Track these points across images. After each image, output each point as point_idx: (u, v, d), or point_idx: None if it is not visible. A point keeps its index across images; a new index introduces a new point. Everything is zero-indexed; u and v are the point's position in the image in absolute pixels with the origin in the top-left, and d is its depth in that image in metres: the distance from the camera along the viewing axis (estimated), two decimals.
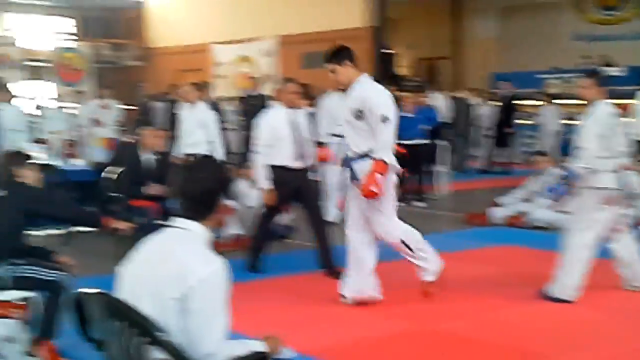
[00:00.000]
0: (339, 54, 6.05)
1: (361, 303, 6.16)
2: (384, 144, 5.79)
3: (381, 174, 5.72)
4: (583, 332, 5.63)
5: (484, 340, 5.43)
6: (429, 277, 6.31)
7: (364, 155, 5.89)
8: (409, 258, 6.18)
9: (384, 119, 5.76)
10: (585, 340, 5.41)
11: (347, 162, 6.10)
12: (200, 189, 3.02)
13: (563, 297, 6.22)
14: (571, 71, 19.79)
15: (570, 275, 6.20)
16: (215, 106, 11.10)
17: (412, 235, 6.18)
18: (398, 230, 6.10)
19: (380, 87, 6.06)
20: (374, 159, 5.79)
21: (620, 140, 6.30)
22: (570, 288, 6.21)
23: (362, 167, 5.87)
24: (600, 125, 6.14)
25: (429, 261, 6.26)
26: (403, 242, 6.12)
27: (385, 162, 5.73)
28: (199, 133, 8.60)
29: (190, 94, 9.62)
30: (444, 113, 15.54)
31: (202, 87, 9.91)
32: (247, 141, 14.07)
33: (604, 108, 6.21)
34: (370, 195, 5.78)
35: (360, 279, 6.13)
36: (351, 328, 5.70)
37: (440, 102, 15.69)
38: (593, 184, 6.13)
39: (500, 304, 6.36)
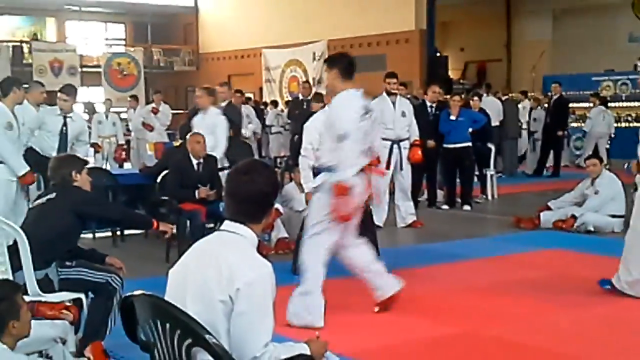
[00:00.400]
0: (334, 60, 5.95)
1: (404, 307, 6.11)
2: (342, 161, 5.61)
3: (342, 195, 5.49)
4: (629, 337, 5.54)
5: (531, 345, 5.38)
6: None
7: (326, 169, 5.76)
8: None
9: (340, 138, 5.60)
10: (632, 346, 5.33)
11: (314, 172, 6.07)
12: (254, 191, 3.03)
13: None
14: (627, 73, 19.50)
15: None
16: (233, 110, 11.02)
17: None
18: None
19: (349, 103, 5.75)
20: (334, 183, 5.59)
21: None
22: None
23: (321, 179, 5.78)
24: None
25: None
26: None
27: (343, 184, 5.50)
28: (209, 139, 8.59)
29: (200, 99, 9.62)
30: (497, 116, 15.44)
31: (212, 93, 9.85)
32: (295, 145, 14.17)
33: None
34: (345, 219, 5.64)
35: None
36: (396, 331, 5.69)
37: (493, 105, 15.58)
38: None
39: (548, 308, 6.29)
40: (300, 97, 14.65)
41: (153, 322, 2.89)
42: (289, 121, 16.77)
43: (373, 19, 23.66)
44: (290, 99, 17.10)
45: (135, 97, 18.03)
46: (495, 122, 15.41)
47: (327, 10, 25.26)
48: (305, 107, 14.04)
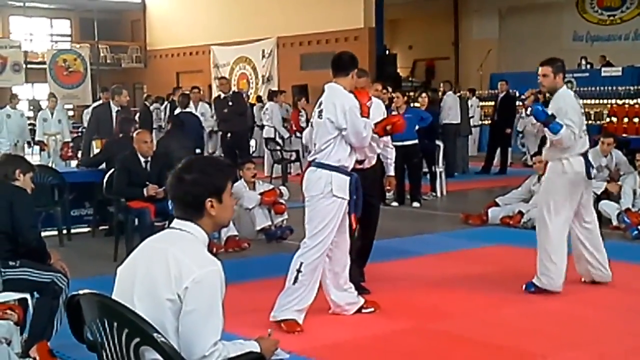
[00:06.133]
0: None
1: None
2: None
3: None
4: (577, 330, 5.64)
5: (478, 339, 5.44)
6: (286, 316, 5.60)
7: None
8: (287, 283, 5.65)
9: None
10: (580, 339, 5.43)
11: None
12: (181, 190, 3.01)
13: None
14: (571, 71, 19.85)
15: None
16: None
17: (312, 270, 5.64)
18: (308, 258, 5.62)
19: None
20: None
21: None
22: None
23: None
24: None
25: (300, 300, 5.62)
26: (299, 269, 5.60)
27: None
28: None
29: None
30: (454, 113, 15.58)
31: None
32: (228, 143, 14.07)
33: None
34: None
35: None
36: (345, 327, 5.71)
37: (455, 102, 15.70)
38: None
39: (495, 302, 6.37)
40: (222, 95, 14.44)
41: (100, 322, 2.85)
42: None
43: (322, 17, 23.70)
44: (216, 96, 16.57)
45: (52, 94, 17.38)
46: (452, 120, 15.57)
47: (276, 7, 25.22)
48: (231, 104, 13.92)
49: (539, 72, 6.57)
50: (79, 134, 17.52)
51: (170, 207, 6.91)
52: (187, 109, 13.57)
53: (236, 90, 19.68)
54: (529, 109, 6.68)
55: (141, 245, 3.06)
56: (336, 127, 5.57)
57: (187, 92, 14.74)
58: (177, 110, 13.52)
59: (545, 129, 6.39)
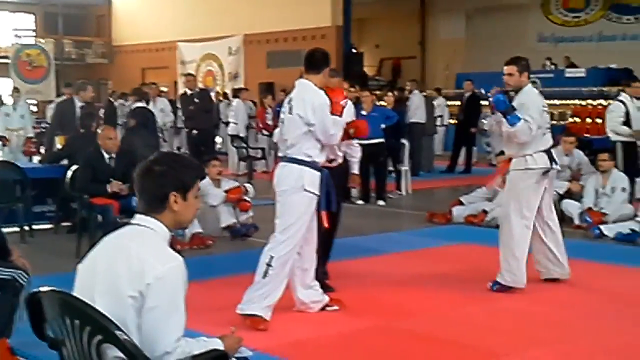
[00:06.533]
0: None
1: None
2: None
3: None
4: (541, 328, 5.68)
5: (443, 338, 5.46)
6: (254, 310, 5.57)
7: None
8: (256, 277, 5.63)
9: None
10: (543, 337, 5.47)
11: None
12: (153, 181, 3.01)
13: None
14: (536, 72, 20.04)
15: None
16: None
17: (282, 264, 5.63)
18: (278, 252, 5.61)
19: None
20: None
21: None
22: None
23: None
24: None
25: (269, 295, 5.61)
26: (269, 263, 5.60)
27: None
28: None
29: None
30: (420, 112, 15.65)
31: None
32: (193, 140, 14.01)
33: None
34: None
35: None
36: (310, 325, 5.70)
37: (417, 102, 15.77)
38: None
39: (459, 301, 6.41)
40: (188, 91, 14.37)
41: (62, 319, 2.83)
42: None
43: (289, 15, 23.68)
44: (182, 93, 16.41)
45: (16, 89, 17.14)
46: (423, 119, 15.64)
47: (243, 5, 25.16)
48: (197, 100, 13.85)
49: (504, 71, 6.64)
50: (42, 129, 17.33)
51: (134, 204, 6.88)
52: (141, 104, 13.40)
53: (202, 87, 19.58)
54: (491, 98, 6.75)
55: (102, 242, 3.04)
56: (305, 123, 5.57)
57: (140, 88, 14.54)
58: (134, 106, 13.30)
59: (503, 119, 6.47)
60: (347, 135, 6.08)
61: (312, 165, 5.63)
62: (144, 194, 3.02)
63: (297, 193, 5.58)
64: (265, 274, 5.58)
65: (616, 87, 15.54)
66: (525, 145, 6.50)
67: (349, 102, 6.72)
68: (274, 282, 5.59)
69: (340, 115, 5.76)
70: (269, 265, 5.58)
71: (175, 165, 3.03)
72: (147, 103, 13.63)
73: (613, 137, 10.88)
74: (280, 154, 5.88)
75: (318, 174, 5.66)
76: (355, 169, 7.08)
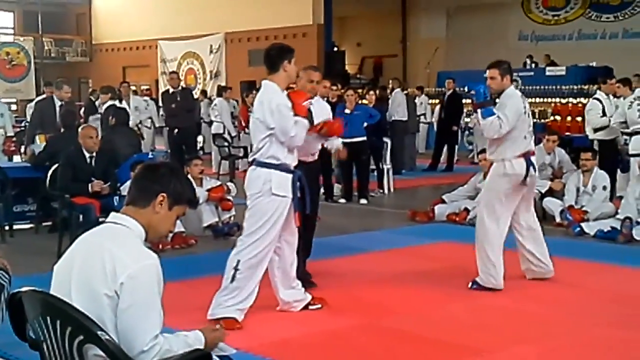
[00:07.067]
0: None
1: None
2: None
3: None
4: (523, 325, 5.71)
5: (425, 336, 5.47)
6: (225, 314, 5.52)
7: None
8: (223, 282, 5.59)
9: None
10: (526, 334, 5.48)
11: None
12: (153, 175, 3.05)
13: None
14: (517, 70, 20.14)
15: None
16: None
17: (251, 267, 5.56)
18: (245, 256, 5.55)
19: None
20: None
21: None
22: None
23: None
24: None
25: (242, 300, 5.57)
26: (236, 267, 5.55)
27: None
28: None
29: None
30: (402, 110, 15.66)
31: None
32: (175, 139, 13.94)
33: None
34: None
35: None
36: (293, 324, 5.69)
37: (399, 100, 15.79)
38: None
39: (442, 299, 6.42)
40: (171, 89, 14.30)
41: (43, 319, 2.81)
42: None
43: (271, 13, 23.66)
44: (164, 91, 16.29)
45: None
46: (404, 117, 15.65)
47: (224, 3, 25.11)
48: (179, 99, 13.79)
49: (486, 74, 6.66)
50: (22, 128, 17.19)
51: (115, 204, 6.82)
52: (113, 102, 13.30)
53: (184, 85, 19.52)
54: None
55: (78, 240, 3.03)
56: (266, 127, 5.50)
57: (111, 85, 14.42)
58: (107, 104, 13.16)
59: (478, 110, 6.51)
60: (320, 134, 6.07)
61: (281, 167, 5.55)
62: (139, 182, 3.06)
63: (264, 197, 5.51)
64: (232, 279, 5.53)
65: (596, 85, 15.62)
66: (505, 149, 6.53)
67: (321, 101, 6.68)
68: (245, 286, 5.54)
69: (306, 117, 5.65)
70: (236, 269, 5.52)
71: (180, 179, 3.11)
72: (120, 101, 13.58)
73: (591, 135, 10.98)
74: (249, 158, 5.85)
75: (289, 175, 5.59)
76: (340, 145, 7.06)
